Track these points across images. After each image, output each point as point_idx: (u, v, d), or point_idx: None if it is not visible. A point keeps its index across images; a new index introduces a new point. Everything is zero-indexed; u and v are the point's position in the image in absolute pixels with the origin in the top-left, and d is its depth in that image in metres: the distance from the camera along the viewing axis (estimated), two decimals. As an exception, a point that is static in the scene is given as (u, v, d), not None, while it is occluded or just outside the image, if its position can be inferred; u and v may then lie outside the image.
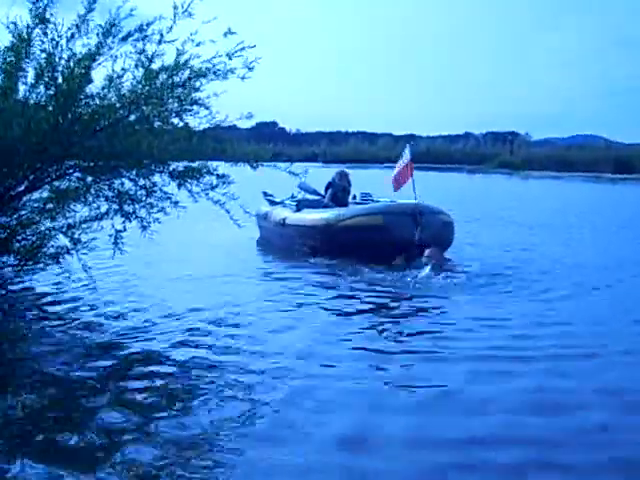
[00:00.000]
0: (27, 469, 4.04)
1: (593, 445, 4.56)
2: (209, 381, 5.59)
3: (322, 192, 13.51)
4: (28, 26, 7.28)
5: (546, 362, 6.18)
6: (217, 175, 8.13)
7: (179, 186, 8.12)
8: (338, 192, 13.13)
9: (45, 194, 7.94)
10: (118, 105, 7.71)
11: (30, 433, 4.55)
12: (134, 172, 7.98)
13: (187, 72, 7.73)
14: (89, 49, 7.46)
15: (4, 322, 7.31)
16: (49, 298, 8.29)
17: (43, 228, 7.94)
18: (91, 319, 7.44)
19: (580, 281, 10.06)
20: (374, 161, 59.39)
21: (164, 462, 4.16)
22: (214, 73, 7.80)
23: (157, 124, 8.11)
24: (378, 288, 9.30)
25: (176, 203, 8.05)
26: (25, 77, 7.48)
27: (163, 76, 7.70)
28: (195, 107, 8.08)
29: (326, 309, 8.20)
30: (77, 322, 7.30)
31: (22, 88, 7.51)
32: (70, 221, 7.95)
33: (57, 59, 7.38)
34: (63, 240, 8.00)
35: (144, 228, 8.04)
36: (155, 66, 7.76)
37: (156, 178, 8.14)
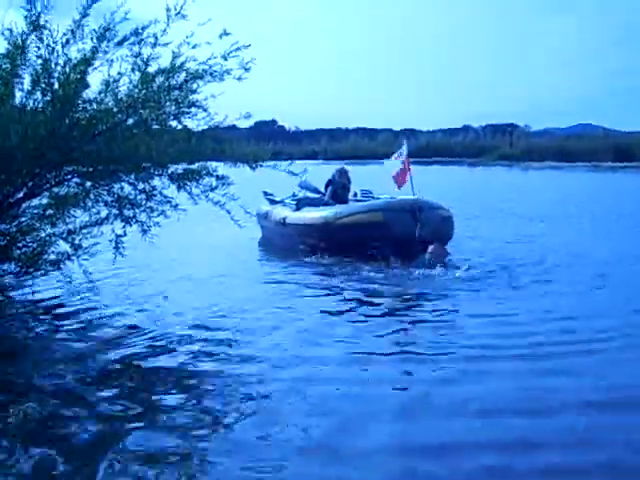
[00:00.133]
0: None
1: (586, 444, 4.54)
2: (202, 386, 5.60)
3: (323, 190, 13.48)
4: (23, 33, 7.26)
5: (546, 360, 6.13)
6: (217, 176, 8.11)
7: (179, 188, 8.11)
8: (338, 190, 13.11)
9: (44, 200, 7.93)
10: (115, 109, 7.69)
11: (32, 441, 4.53)
12: (133, 176, 7.97)
13: (183, 74, 7.72)
14: (84, 54, 7.43)
15: (5, 329, 7.29)
16: (49, 303, 8.28)
17: (43, 234, 7.93)
18: (92, 325, 7.43)
19: (581, 274, 10.02)
20: (374, 157, 59.26)
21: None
22: (210, 75, 7.79)
23: (155, 127, 8.08)
24: (378, 287, 9.26)
25: (176, 206, 8.05)
26: (22, 83, 7.45)
27: (160, 79, 7.69)
28: (193, 109, 8.05)
29: (323, 309, 8.15)
30: (77, 328, 7.29)
31: (19, 94, 7.49)
32: (70, 227, 7.94)
33: (53, 65, 7.36)
34: (64, 246, 7.97)
35: (144, 232, 8.03)
36: (151, 69, 7.74)
37: (155, 181, 8.12)
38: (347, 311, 8.08)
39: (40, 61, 7.33)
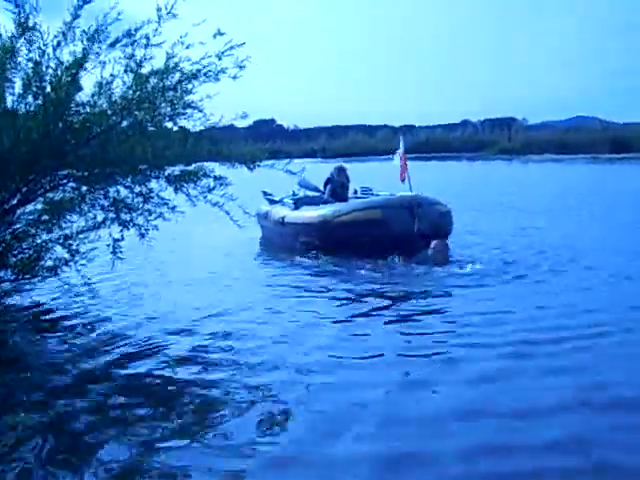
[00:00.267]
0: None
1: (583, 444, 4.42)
2: (199, 391, 5.50)
3: (322, 188, 13.40)
4: (13, 35, 7.15)
5: (542, 359, 6.01)
6: (214, 177, 8.01)
7: (176, 190, 8.01)
8: (337, 188, 13.04)
9: (39, 206, 7.81)
10: (110, 112, 7.59)
11: (30, 449, 4.44)
12: (129, 179, 7.86)
13: (178, 75, 7.61)
14: (76, 56, 7.32)
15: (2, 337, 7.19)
16: (45, 308, 8.22)
17: (39, 240, 7.81)
18: (88, 331, 7.33)
19: (580, 268, 9.92)
20: (373, 153, 59.25)
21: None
22: (205, 75, 7.68)
23: (151, 129, 7.98)
24: (378, 286, 9.15)
25: (174, 208, 7.95)
26: (12, 87, 7.34)
27: (154, 80, 7.58)
28: (188, 110, 7.95)
29: (321, 310, 8.01)
30: (76, 334, 7.20)
31: (10, 98, 7.37)
32: (67, 232, 7.83)
33: (44, 68, 7.25)
34: (61, 251, 7.87)
35: (142, 236, 7.93)
36: (145, 70, 7.64)
37: (152, 184, 8.02)
38: (347, 312, 7.96)
39: (31, 64, 7.22)
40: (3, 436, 4.64)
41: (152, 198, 7.97)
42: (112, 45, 7.57)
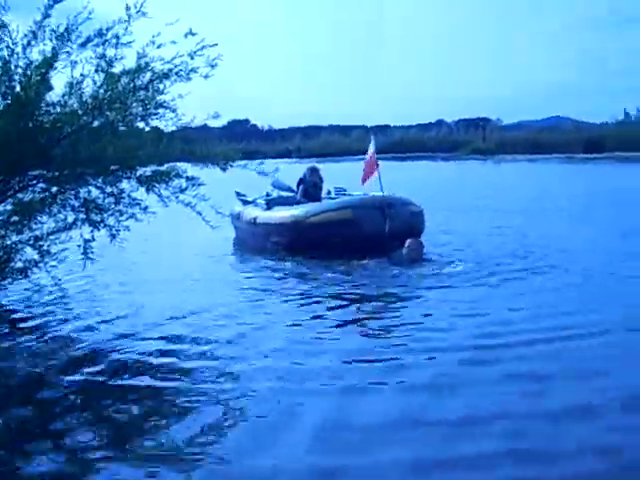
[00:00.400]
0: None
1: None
2: (173, 395, 5.43)
3: (295, 189, 13.37)
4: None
5: (501, 364, 5.95)
6: (186, 177, 7.98)
7: (148, 191, 7.96)
8: (309, 188, 13.03)
9: (9, 207, 7.72)
10: (80, 111, 7.53)
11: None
12: (100, 179, 7.81)
13: (149, 74, 7.56)
14: (46, 55, 7.25)
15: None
16: (16, 308, 8.15)
17: (9, 242, 7.73)
18: (62, 332, 7.23)
19: (554, 268, 9.90)
20: (348, 153, 59.21)
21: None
22: (177, 74, 7.65)
23: (122, 129, 7.93)
24: (351, 286, 9.12)
25: (145, 208, 7.90)
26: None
27: (125, 80, 7.53)
28: (161, 110, 7.91)
29: (293, 312, 7.97)
30: (48, 336, 7.11)
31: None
32: (37, 233, 7.75)
33: (13, 67, 7.18)
34: (31, 253, 7.79)
35: (113, 237, 7.87)
36: (116, 70, 7.59)
37: (124, 184, 7.97)
38: (319, 313, 7.87)
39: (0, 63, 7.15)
40: None
41: (123, 199, 7.92)
42: (83, 45, 7.53)
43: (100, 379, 5.80)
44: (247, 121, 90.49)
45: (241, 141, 52.38)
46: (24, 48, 7.26)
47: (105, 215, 7.85)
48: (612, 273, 9.45)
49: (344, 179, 15.35)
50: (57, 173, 7.56)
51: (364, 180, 12.22)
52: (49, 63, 7.28)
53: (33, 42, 7.30)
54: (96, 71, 7.56)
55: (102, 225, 7.85)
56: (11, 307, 8.25)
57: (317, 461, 4.25)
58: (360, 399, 5.24)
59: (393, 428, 4.70)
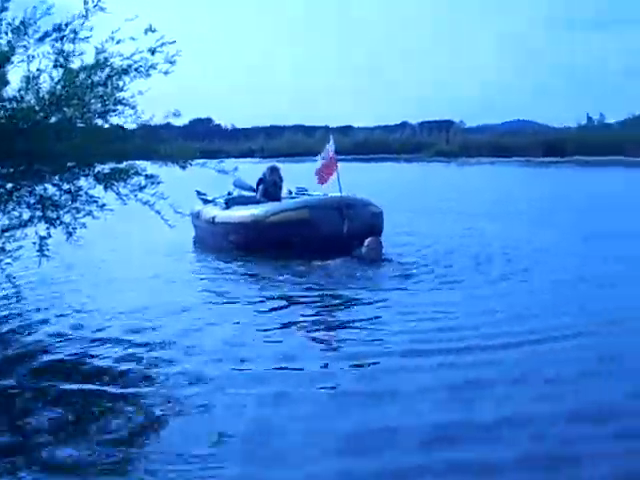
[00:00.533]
0: None
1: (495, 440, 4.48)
2: (118, 395, 5.40)
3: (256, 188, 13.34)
4: None
5: (467, 354, 6.10)
6: (145, 175, 7.88)
7: (106, 188, 7.85)
8: (269, 187, 13.02)
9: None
10: (37, 107, 7.40)
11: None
12: (57, 177, 7.69)
13: (107, 70, 7.46)
14: (1, 49, 7.13)
15: None
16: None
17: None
18: (14, 331, 7.18)
19: (511, 269, 10.06)
20: (311, 154, 59.11)
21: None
22: (136, 70, 7.56)
23: (80, 125, 7.82)
24: (308, 286, 9.14)
25: (102, 206, 7.79)
26: None
27: (83, 75, 7.42)
28: (120, 107, 7.81)
29: (249, 311, 7.98)
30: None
31: None
32: (-8, 230, 7.61)
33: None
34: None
35: (70, 234, 7.75)
36: (74, 65, 7.48)
37: (81, 181, 7.86)
38: (275, 312, 7.90)
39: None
40: None
41: (80, 196, 7.81)
42: (41, 39, 7.40)
43: (24, 381, 5.73)
44: (210, 120, 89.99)
45: (203, 140, 52.16)
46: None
47: (61, 212, 7.73)
48: (576, 277, 9.54)
49: (306, 179, 15.32)
50: (12, 170, 7.41)
51: (323, 180, 12.18)
52: (5, 57, 7.14)
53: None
54: (54, 66, 7.43)
55: (58, 222, 7.72)
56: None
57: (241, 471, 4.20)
58: (286, 406, 5.15)
59: (316, 436, 4.63)
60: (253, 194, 13.25)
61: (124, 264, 11.34)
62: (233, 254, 11.62)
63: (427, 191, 26.42)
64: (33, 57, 7.37)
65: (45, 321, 7.58)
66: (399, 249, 11.46)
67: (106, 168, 7.85)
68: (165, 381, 5.65)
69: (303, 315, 7.82)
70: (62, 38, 7.39)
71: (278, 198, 12.79)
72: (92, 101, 7.61)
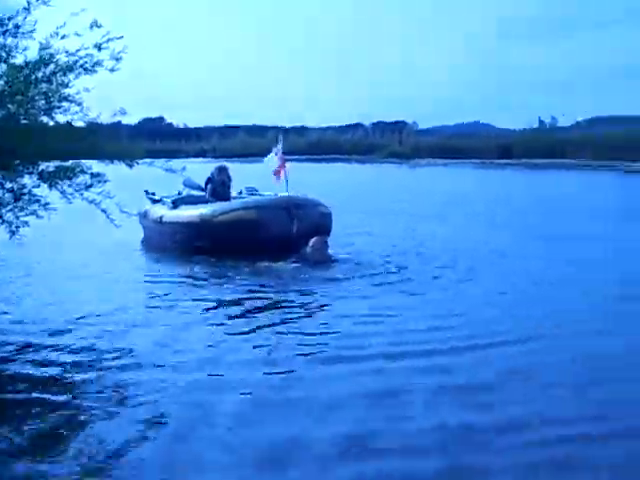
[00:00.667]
0: None
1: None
2: (59, 399, 5.27)
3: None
4: None
5: (413, 359, 6.03)
6: (91, 174, 7.73)
7: (50, 187, 7.69)
8: (218, 187, 12.94)
9: None
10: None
11: None
12: (0, 174, 7.51)
13: (52, 66, 7.31)
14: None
15: None
16: None
17: None
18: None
19: (457, 269, 10.12)
20: (264, 154, 59.02)
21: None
22: (82, 67, 7.41)
23: (24, 122, 7.66)
24: (253, 287, 9.07)
25: (46, 205, 7.63)
26: None
27: (26, 71, 7.26)
28: (65, 103, 7.66)
29: (189, 313, 7.87)
30: None
31: None
32: None
33: None
34: None
35: (12, 233, 7.58)
36: (18, 61, 7.32)
37: (25, 180, 7.69)
38: (215, 315, 7.81)
39: None
40: None
41: (24, 194, 7.64)
42: (-18, 35, 7.23)
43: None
44: (162, 119, 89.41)
45: (155, 139, 51.83)
46: None
47: (4, 211, 7.55)
48: (527, 280, 9.60)
49: (259, 179, 15.24)
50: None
51: (277, 180, 12.17)
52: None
53: None
54: (-3, 62, 7.26)
55: (0, 221, 7.55)
56: None
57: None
58: (204, 415, 5.02)
59: (231, 446, 4.53)
60: (202, 194, 13.14)
61: (63, 263, 11.13)
62: (179, 254, 11.51)
63: (379, 192, 26.48)
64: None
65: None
66: (348, 250, 11.44)
67: (51, 166, 7.69)
68: (75, 388, 5.52)
69: (232, 317, 7.68)
70: (5, 32, 7.23)
71: (227, 198, 12.70)
72: (36, 97, 7.45)
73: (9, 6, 7.38)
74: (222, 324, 7.39)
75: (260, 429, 4.71)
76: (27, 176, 7.68)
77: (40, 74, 7.27)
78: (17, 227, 7.60)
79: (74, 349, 6.44)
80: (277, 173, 12.06)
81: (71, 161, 7.80)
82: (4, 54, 7.20)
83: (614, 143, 53.64)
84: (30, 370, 5.92)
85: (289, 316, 7.73)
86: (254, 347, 6.51)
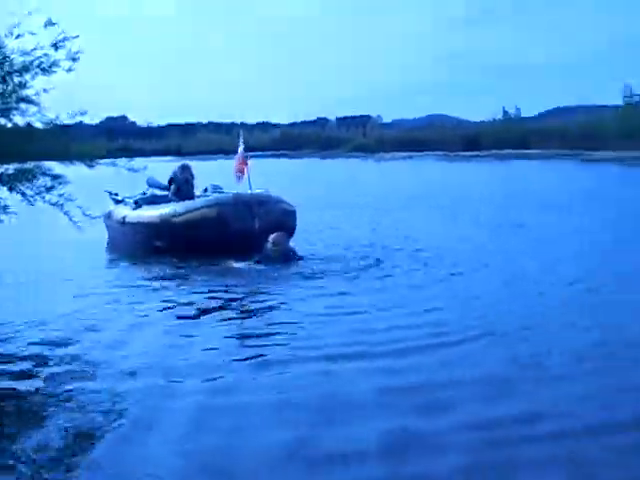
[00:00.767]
0: None
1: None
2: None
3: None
4: None
5: (381, 359, 5.88)
6: (52, 176, 7.60)
7: (10, 190, 7.56)
8: (181, 186, 12.80)
9: None
10: None
11: None
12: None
13: (7, 66, 7.17)
14: None
15: None
16: None
17: None
18: None
19: (421, 264, 10.00)
20: (229, 151, 58.92)
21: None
22: (38, 67, 7.28)
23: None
24: (216, 287, 8.89)
25: (5, 208, 7.49)
26: None
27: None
28: (23, 105, 7.52)
29: (149, 315, 7.70)
30: None
31: None
32: None
33: None
34: None
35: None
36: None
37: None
38: (168, 318, 7.61)
39: None
40: None
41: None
42: None
43: None
44: (124, 117, 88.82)
45: (118, 139, 51.46)
46: None
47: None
48: (497, 275, 9.44)
49: (222, 177, 15.15)
50: None
51: (239, 178, 12.07)
52: None
53: None
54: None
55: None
56: None
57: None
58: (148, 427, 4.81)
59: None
60: (166, 193, 13.01)
61: (21, 265, 10.90)
62: (140, 255, 11.38)
63: (344, 187, 26.45)
64: None
65: None
66: (312, 246, 11.39)
67: (10, 169, 7.56)
68: (21, 399, 5.35)
69: (186, 319, 7.52)
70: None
71: (191, 196, 12.57)
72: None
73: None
74: (177, 327, 7.20)
75: (208, 435, 4.60)
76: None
77: (-5, 74, 7.14)
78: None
79: (21, 357, 6.25)
80: (239, 171, 11.92)
81: (31, 163, 7.67)
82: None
83: (577, 133, 54.37)
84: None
85: (247, 317, 7.61)
86: (204, 350, 6.33)
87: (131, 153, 22.73)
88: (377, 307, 7.59)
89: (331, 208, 17.92)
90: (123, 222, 12.32)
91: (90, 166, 7.78)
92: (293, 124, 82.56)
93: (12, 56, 7.20)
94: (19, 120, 7.69)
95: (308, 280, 9.07)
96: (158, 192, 13.20)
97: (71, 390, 5.33)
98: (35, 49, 7.19)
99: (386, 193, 23.15)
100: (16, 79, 7.27)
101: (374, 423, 4.64)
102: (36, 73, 7.31)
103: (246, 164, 11.67)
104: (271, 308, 7.89)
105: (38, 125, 7.78)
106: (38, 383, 5.55)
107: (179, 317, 7.60)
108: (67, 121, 7.84)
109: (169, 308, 7.97)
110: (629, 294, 8.17)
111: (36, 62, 7.24)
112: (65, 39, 7.17)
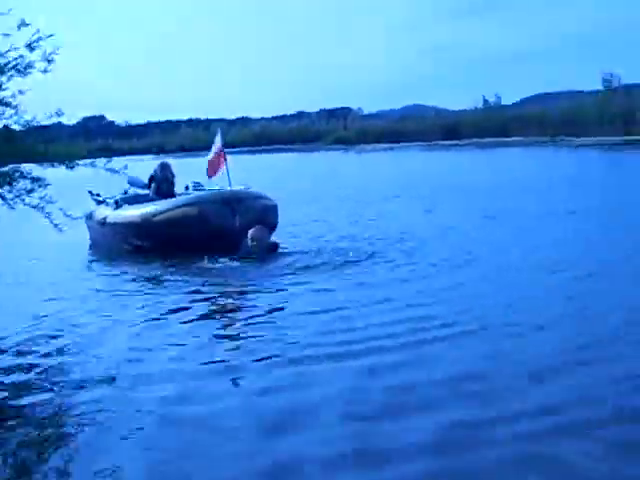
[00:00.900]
0: None
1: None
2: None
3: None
4: None
5: (361, 359, 5.72)
6: (32, 178, 7.53)
7: (-11, 194, 7.49)
8: (162, 184, 12.75)
9: None
10: None
11: None
12: None
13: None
14: None
15: None
16: None
17: None
18: None
19: (407, 259, 9.79)
20: (209, 148, 58.76)
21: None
22: (13, 68, 7.20)
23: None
24: (200, 286, 8.77)
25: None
26: None
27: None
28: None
29: (136, 316, 7.57)
30: None
31: None
32: None
33: None
34: None
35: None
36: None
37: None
38: (162, 318, 7.47)
39: None
40: None
41: (-40, 202, 7.43)
42: None
43: None
44: (103, 117, 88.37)
45: (97, 138, 51.17)
46: None
47: None
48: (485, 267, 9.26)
49: (203, 174, 15.09)
50: None
51: (211, 172, 11.97)
52: None
53: None
54: None
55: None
56: None
57: None
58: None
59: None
60: (147, 192, 12.95)
61: (16, 269, 10.86)
62: (121, 255, 11.32)
63: (326, 180, 26.39)
64: None
65: None
66: (295, 239, 11.35)
67: (-12, 172, 7.48)
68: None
69: (155, 320, 7.39)
70: None
71: (172, 194, 12.52)
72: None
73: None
74: (147, 330, 7.02)
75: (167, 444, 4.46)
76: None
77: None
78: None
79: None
80: (214, 167, 11.83)
81: (10, 166, 7.60)
82: None
83: (557, 119, 54.60)
84: None
85: (220, 318, 7.50)
86: (173, 355, 6.15)
87: (110, 153, 22.51)
88: (360, 303, 7.40)
89: (313, 202, 17.86)
90: (104, 222, 12.24)
91: (70, 167, 7.71)
92: (273, 118, 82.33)
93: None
94: (-4, 123, 7.63)
95: (288, 276, 8.93)
96: (139, 191, 13.13)
97: (32, 401, 5.20)
98: (10, 50, 7.13)
99: (368, 185, 23.11)
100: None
101: (340, 428, 4.48)
102: (12, 75, 7.24)
103: (225, 160, 11.61)
104: (246, 308, 7.77)
105: (15, 127, 7.71)
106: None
107: (152, 319, 7.42)
108: (44, 122, 7.78)
109: (142, 308, 7.87)
110: (613, 283, 8.00)
111: (11, 64, 7.17)
112: (39, 39, 7.11)
